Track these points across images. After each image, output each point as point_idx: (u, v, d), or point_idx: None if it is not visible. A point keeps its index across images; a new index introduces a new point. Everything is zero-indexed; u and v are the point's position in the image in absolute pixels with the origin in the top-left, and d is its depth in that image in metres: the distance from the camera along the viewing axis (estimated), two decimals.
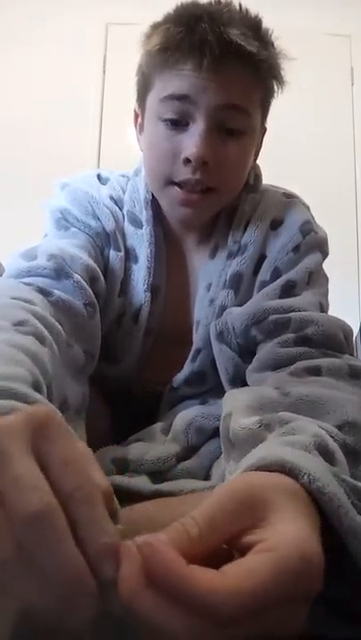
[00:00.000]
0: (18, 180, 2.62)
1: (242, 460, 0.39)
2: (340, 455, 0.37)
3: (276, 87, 0.65)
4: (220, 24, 0.57)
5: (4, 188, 2.63)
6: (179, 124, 0.60)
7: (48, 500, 0.23)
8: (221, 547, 0.26)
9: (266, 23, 0.62)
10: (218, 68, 0.57)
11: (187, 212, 0.64)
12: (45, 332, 0.48)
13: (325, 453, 0.35)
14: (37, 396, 0.37)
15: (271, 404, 0.47)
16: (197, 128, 0.59)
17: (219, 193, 0.64)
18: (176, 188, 0.62)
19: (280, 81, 0.64)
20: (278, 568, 0.24)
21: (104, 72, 2.77)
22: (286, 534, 0.26)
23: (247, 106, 0.61)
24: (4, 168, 2.65)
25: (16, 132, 2.68)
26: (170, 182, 0.63)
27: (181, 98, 0.59)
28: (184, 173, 0.61)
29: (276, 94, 0.66)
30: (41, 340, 0.47)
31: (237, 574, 0.24)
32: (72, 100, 2.72)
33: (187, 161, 0.59)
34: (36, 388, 0.40)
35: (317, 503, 0.29)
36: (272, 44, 0.62)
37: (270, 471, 0.31)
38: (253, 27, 0.60)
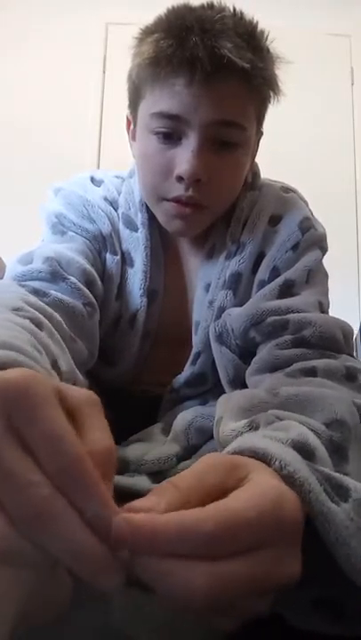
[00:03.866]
0: (18, 179, 2.62)
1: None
2: (321, 452, 0.37)
3: (272, 96, 0.63)
4: (212, 36, 0.54)
5: (4, 188, 2.63)
6: (171, 137, 0.59)
7: (47, 494, 0.23)
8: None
9: (265, 23, 0.60)
10: (210, 84, 0.55)
11: (180, 224, 0.64)
12: (42, 319, 0.49)
13: (304, 451, 0.35)
14: (37, 355, 0.37)
15: (261, 404, 0.47)
16: (190, 145, 0.58)
17: (211, 209, 0.63)
18: (170, 202, 0.62)
19: (276, 91, 0.62)
20: (255, 494, 0.26)
21: (104, 72, 2.77)
22: (265, 480, 0.28)
23: (241, 120, 0.59)
24: (4, 168, 2.65)
25: (16, 131, 2.68)
26: (163, 198, 0.62)
27: (172, 117, 0.57)
28: (176, 190, 0.60)
29: (272, 102, 0.64)
30: (37, 324, 0.47)
31: (216, 504, 0.26)
32: (72, 100, 2.73)
33: (179, 178, 0.59)
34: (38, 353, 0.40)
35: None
36: (267, 51, 0.60)
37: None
38: (247, 35, 0.57)
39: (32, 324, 0.45)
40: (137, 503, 0.25)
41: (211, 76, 0.55)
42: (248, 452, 0.32)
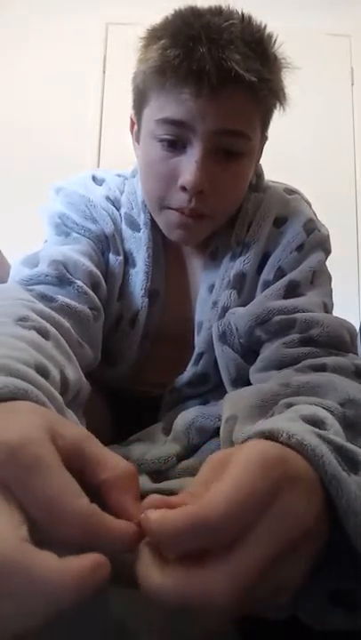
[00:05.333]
0: (18, 179, 2.62)
1: None
2: (332, 421, 0.37)
3: (278, 105, 0.62)
4: (220, 46, 0.53)
5: (4, 188, 2.63)
6: (175, 145, 0.58)
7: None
8: None
9: (265, 23, 0.59)
10: (216, 95, 0.55)
11: (182, 234, 0.64)
12: (49, 327, 0.48)
13: (313, 422, 0.36)
14: (37, 376, 0.37)
15: (273, 397, 0.47)
16: (194, 154, 0.57)
17: (213, 219, 0.63)
18: (172, 211, 0.62)
19: (283, 101, 0.62)
20: (243, 466, 0.27)
21: (104, 72, 2.77)
22: (246, 448, 0.29)
23: (247, 130, 0.59)
24: (4, 168, 2.65)
25: (16, 131, 2.68)
26: (165, 207, 0.62)
27: (178, 123, 0.57)
28: (179, 200, 0.60)
29: (279, 110, 0.63)
30: (43, 334, 0.46)
31: (211, 491, 0.26)
32: (72, 100, 2.72)
33: (182, 188, 0.59)
34: (41, 372, 0.40)
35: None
36: (275, 59, 0.59)
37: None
38: (255, 43, 0.56)
39: (38, 335, 0.45)
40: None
41: (217, 88, 0.54)
42: (256, 435, 0.32)
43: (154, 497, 0.27)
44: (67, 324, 0.53)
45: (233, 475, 0.26)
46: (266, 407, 0.47)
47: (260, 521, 0.25)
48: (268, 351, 0.59)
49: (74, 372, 0.49)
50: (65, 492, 0.24)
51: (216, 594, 0.23)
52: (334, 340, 0.57)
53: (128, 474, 0.27)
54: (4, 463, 0.24)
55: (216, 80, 0.53)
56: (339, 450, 0.31)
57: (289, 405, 0.42)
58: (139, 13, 2.52)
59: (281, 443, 0.31)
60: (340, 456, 0.31)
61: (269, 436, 0.32)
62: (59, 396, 0.39)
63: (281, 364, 0.57)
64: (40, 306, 0.51)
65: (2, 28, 2.79)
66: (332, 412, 0.39)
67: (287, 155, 2.32)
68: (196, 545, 0.25)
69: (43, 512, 0.24)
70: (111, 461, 0.27)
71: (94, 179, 0.73)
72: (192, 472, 0.59)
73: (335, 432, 0.36)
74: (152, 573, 0.25)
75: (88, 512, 0.24)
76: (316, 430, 0.33)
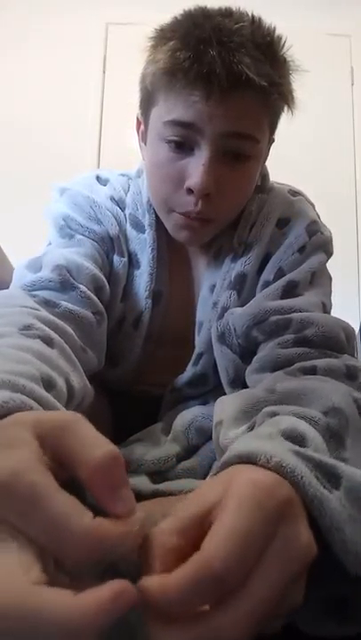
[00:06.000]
0: (18, 179, 2.62)
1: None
2: (313, 435, 0.37)
3: (286, 109, 0.62)
4: (230, 49, 0.53)
5: (4, 188, 2.63)
6: (183, 146, 0.58)
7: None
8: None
9: (275, 25, 0.59)
10: (226, 98, 0.54)
11: (188, 235, 0.63)
12: (53, 335, 0.48)
13: (293, 437, 0.35)
14: (43, 392, 0.36)
15: (258, 403, 0.47)
16: (202, 156, 0.57)
17: (219, 221, 0.63)
18: (178, 214, 0.62)
19: (291, 105, 0.61)
20: (237, 503, 0.25)
21: (104, 72, 2.77)
22: (233, 487, 0.27)
23: (255, 133, 0.58)
24: (4, 168, 2.65)
25: (16, 131, 2.68)
26: (172, 210, 0.62)
27: (187, 125, 0.56)
28: (186, 203, 0.60)
29: (286, 113, 0.63)
30: (48, 342, 0.46)
31: (208, 538, 0.25)
32: (72, 100, 2.72)
33: (189, 191, 0.58)
34: (47, 384, 0.39)
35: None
36: (284, 61, 0.59)
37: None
38: (265, 45, 0.56)
39: (43, 344, 0.45)
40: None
41: (227, 91, 0.53)
42: (234, 459, 0.32)
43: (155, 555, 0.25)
44: (70, 330, 0.53)
45: (229, 516, 0.25)
46: (250, 413, 0.47)
47: (265, 558, 0.25)
48: (264, 352, 0.59)
49: (79, 380, 0.49)
50: (68, 512, 0.24)
51: (227, 638, 0.23)
52: (330, 341, 0.57)
53: (102, 466, 0.25)
54: (1, 501, 0.24)
55: (226, 83, 0.53)
56: (318, 466, 0.31)
57: (271, 415, 0.41)
58: (139, 13, 2.53)
59: (260, 466, 0.30)
60: (320, 473, 0.31)
61: (246, 459, 0.31)
62: (61, 407, 0.39)
63: (275, 365, 0.57)
64: (44, 313, 0.51)
65: (2, 28, 2.79)
66: (315, 423, 0.39)
67: (287, 155, 2.31)
68: (203, 598, 0.24)
69: (50, 538, 0.24)
70: (84, 456, 0.25)
71: (98, 179, 0.73)
72: (192, 472, 0.59)
73: (315, 447, 0.35)
74: (161, 636, 0.24)
75: (94, 527, 0.24)
76: (295, 448, 0.32)
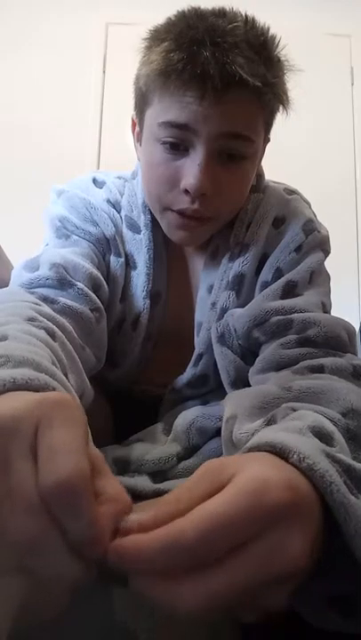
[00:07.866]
0: (18, 179, 2.62)
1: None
2: (338, 436, 0.37)
3: (281, 108, 0.62)
4: (224, 50, 0.53)
5: (4, 188, 2.63)
6: (178, 147, 0.58)
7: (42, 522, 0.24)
8: None
9: (266, 23, 0.58)
10: (220, 99, 0.54)
11: (184, 235, 0.64)
12: (55, 329, 0.48)
13: (321, 435, 0.35)
14: (61, 376, 0.37)
15: (274, 400, 0.47)
16: (197, 157, 0.57)
17: (216, 220, 0.63)
18: (174, 213, 0.61)
19: (286, 105, 0.61)
20: (229, 494, 0.26)
21: (104, 72, 2.77)
22: (245, 477, 0.27)
23: (250, 133, 0.58)
24: (4, 168, 2.65)
25: (16, 131, 2.68)
26: (167, 209, 0.62)
27: (181, 126, 0.56)
28: (182, 202, 0.60)
29: (281, 113, 0.63)
30: (51, 335, 0.47)
31: (191, 513, 0.26)
32: (72, 100, 2.72)
33: (185, 191, 0.58)
34: (52, 373, 0.40)
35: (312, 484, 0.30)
36: (278, 61, 0.58)
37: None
38: (259, 45, 0.55)
39: (47, 335, 0.45)
40: (129, 520, 0.26)
41: (221, 92, 0.53)
42: (266, 447, 0.32)
43: (130, 522, 0.26)
44: (70, 326, 0.53)
45: (224, 498, 0.26)
46: (266, 409, 0.47)
47: (246, 550, 0.25)
48: (266, 352, 0.59)
49: (76, 378, 0.49)
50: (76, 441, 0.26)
51: (183, 603, 0.24)
52: (332, 341, 0.57)
53: (52, 495, 0.24)
54: (44, 416, 0.26)
55: (220, 84, 0.53)
56: (347, 471, 0.31)
57: (292, 410, 0.42)
58: (139, 13, 2.53)
59: (289, 462, 0.30)
60: (349, 478, 0.30)
61: (279, 452, 0.31)
62: (70, 388, 0.40)
63: (279, 366, 0.57)
64: (45, 308, 0.52)
65: (2, 29, 2.79)
66: (335, 424, 0.39)
67: (287, 155, 2.32)
68: (175, 564, 0.25)
69: (47, 455, 0.25)
70: (40, 474, 0.25)
71: (95, 181, 0.73)
72: (192, 472, 0.59)
73: (341, 448, 0.35)
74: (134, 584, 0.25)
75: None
76: (326, 449, 0.32)
